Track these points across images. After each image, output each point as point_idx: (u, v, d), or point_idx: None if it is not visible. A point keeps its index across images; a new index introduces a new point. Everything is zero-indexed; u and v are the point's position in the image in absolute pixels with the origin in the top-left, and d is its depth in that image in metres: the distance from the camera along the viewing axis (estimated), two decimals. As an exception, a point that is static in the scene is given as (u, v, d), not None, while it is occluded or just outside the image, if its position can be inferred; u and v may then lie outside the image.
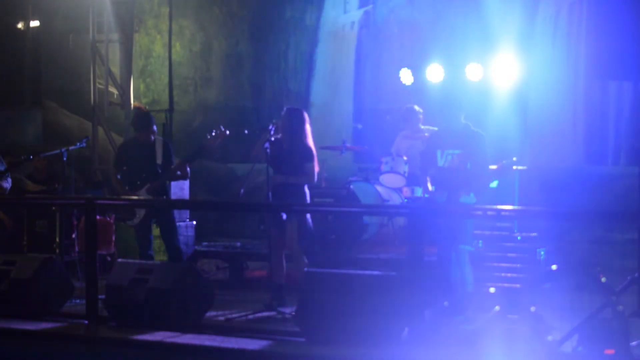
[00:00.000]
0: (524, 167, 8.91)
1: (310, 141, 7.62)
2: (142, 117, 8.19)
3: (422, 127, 9.51)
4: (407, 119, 9.60)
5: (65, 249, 9.25)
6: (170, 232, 7.93)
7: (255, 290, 8.29)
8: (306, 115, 7.65)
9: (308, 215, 7.60)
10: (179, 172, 7.98)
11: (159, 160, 7.91)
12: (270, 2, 17.44)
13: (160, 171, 7.91)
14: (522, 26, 13.09)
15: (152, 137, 7.99)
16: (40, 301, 7.01)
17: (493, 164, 7.64)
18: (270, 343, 5.99)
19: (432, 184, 7.36)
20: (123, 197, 7.90)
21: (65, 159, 8.85)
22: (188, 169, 7.96)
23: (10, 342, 6.41)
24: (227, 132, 7.69)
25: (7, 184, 9.07)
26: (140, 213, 7.83)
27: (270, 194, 7.41)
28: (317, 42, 17.24)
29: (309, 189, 7.71)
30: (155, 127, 8.04)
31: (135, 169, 7.95)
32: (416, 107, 9.55)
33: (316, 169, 7.62)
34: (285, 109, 7.74)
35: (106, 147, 14.09)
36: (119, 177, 8.03)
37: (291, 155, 7.48)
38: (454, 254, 7.11)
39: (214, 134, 7.68)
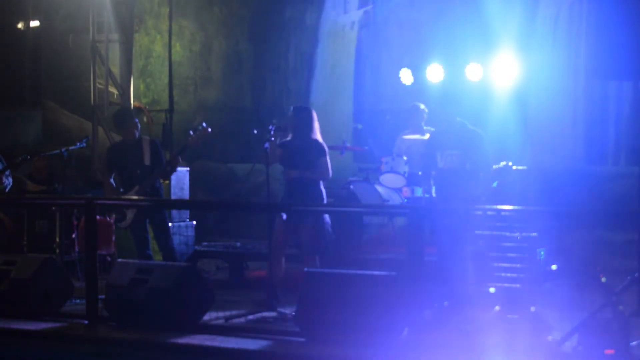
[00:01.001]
0: (524, 167, 8.91)
1: (320, 137, 7.62)
2: (121, 114, 8.22)
3: (425, 127, 9.50)
4: (411, 117, 9.58)
5: (65, 249, 9.24)
6: (163, 233, 7.93)
7: (255, 290, 8.28)
8: (314, 114, 7.65)
9: (327, 217, 7.56)
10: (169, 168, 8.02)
11: (146, 162, 7.90)
12: (270, 2, 17.44)
13: (150, 172, 7.90)
14: (522, 26, 13.09)
15: (137, 133, 7.98)
16: (40, 301, 7.01)
17: (493, 162, 7.64)
18: (270, 343, 5.99)
19: (433, 186, 7.38)
20: (122, 197, 7.91)
21: (65, 158, 8.85)
22: (179, 159, 7.99)
23: (10, 342, 6.41)
24: (209, 129, 7.68)
25: (8, 180, 9.07)
26: (130, 215, 7.83)
27: (267, 192, 7.39)
28: (317, 42, 17.23)
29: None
30: (136, 120, 8.03)
31: (125, 172, 7.96)
32: (421, 106, 9.54)
33: (329, 164, 7.60)
34: (292, 108, 7.73)
35: (106, 147, 14.07)
36: (111, 180, 8.04)
37: (304, 151, 7.47)
38: (455, 254, 7.11)
39: (196, 132, 7.67)
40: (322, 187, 7.61)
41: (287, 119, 7.61)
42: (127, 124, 7.96)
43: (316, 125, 7.61)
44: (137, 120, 8.05)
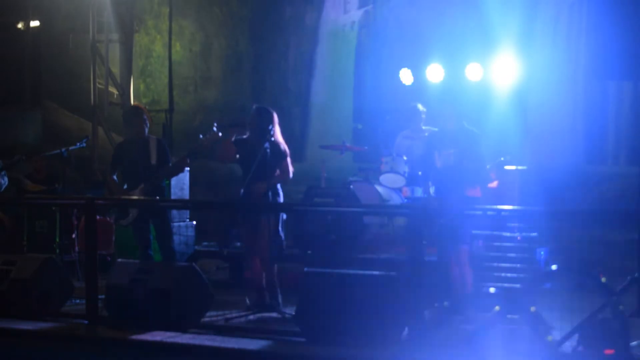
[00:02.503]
0: (524, 167, 8.91)
1: (280, 139, 7.47)
2: (132, 111, 8.22)
3: (424, 127, 9.50)
4: (410, 118, 9.58)
5: (65, 249, 9.24)
6: (164, 234, 7.92)
7: (254, 291, 8.27)
8: (275, 117, 7.50)
9: (280, 221, 7.44)
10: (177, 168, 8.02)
11: (152, 161, 7.90)
12: (270, 2, 17.45)
13: (156, 170, 7.90)
14: (522, 26, 13.10)
15: (146, 130, 7.98)
16: (40, 301, 7.00)
17: (489, 163, 7.65)
18: (270, 343, 5.99)
19: (432, 185, 7.39)
20: (122, 197, 7.91)
21: (65, 158, 8.84)
22: (188, 161, 7.99)
23: (10, 342, 6.41)
24: (220, 134, 7.64)
25: (3, 180, 9.07)
26: (133, 213, 7.83)
27: (242, 190, 7.36)
28: (317, 42, 17.25)
29: (287, 186, 7.62)
30: (145, 117, 8.02)
31: (131, 170, 7.97)
32: (420, 106, 9.53)
33: (290, 167, 7.47)
34: (254, 107, 7.59)
35: (106, 147, 14.10)
36: (114, 177, 8.05)
37: (263, 157, 7.25)
38: (454, 254, 7.11)
39: (206, 135, 7.65)
40: (278, 186, 7.49)
41: (249, 118, 7.49)
42: (137, 120, 7.97)
43: (277, 129, 7.45)
44: (146, 117, 8.04)
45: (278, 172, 7.45)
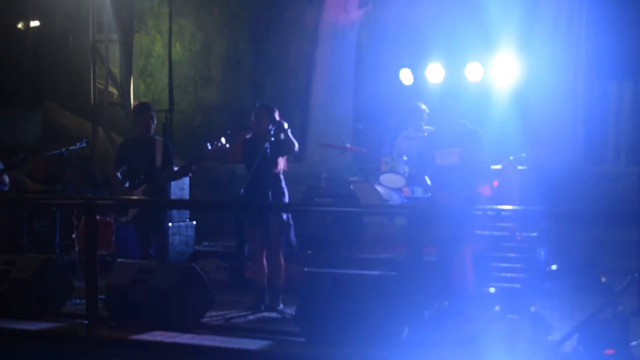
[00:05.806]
0: (524, 167, 8.91)
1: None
2: (141, 106, 8.30)
3: (425, 127, 9.49)
4: (411, 117, 9.57)
5: (65, 249, 9.24)
6: (159, 232, 7.93)
7: (255, 291, 8.27)
8: (275, 113, 7.50)
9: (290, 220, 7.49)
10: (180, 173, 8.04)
11: (158, 162, 7.91)
12: (270, 2, 17.44)
13: (158, 173, 7.90)
14: (522, 26, 13.08)
15: (152, 128, 7.97)
16: (40, 301, 7.01)
17: (493, 163, 7.63)
18: (270, 343, 6.00)
19: (432, 184, 7.39)
20: (122, 197, 7.91)
21: (65, 158, 8.85)
22: (193, 168, 8.00)
23: (10, 342, 6.41)
24: (227, 145, 7.65)
25: (6, 179, 9.10)
26: (132, 211, 7.84)
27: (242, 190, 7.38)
28: (317, 42, 17.23)
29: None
30: (153, 114, 8.02)
31: (135, 169, 7.98)
32: (422, 106, 9.51)
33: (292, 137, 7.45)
34: (257, 105, 7.64)
35: (106, 147, 14.10)
36: (119, 175, 8.05)
37: (263, 157, 7.25)
38: (455, 254, 7.11)
39: (213, 145, 7.65)
40: (283, 185, 7.52)
41: (253, 116, 7.53)
42: (144, 117, 7.97)
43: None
44: (153, 115, 8.04)
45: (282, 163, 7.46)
